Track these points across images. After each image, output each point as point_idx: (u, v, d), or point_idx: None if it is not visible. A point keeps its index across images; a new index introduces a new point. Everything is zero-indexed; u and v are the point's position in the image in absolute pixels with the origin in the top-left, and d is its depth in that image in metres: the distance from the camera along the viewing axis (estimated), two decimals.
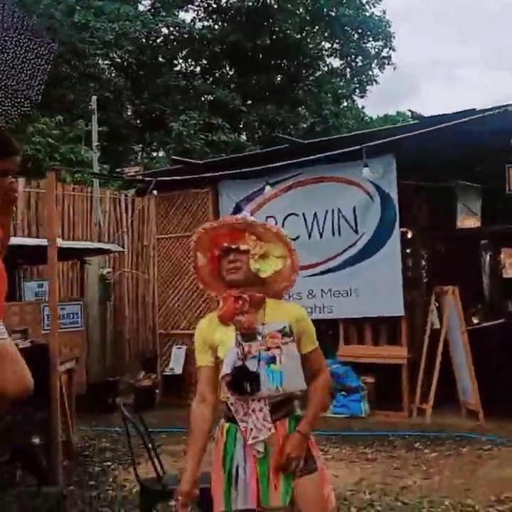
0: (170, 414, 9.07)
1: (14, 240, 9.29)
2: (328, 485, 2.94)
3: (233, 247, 2.88)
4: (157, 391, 9.96)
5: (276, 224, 9.07)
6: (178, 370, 9.78)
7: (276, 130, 17.99)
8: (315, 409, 2.91)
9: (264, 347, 2.78)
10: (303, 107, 24.02)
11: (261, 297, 2.88)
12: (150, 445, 4.01)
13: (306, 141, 8.73)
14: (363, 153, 7.59)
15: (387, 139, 7.55)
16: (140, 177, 9.42)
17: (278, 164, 8.25)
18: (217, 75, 24.50)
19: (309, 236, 8.89)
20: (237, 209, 9.44)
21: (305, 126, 23.29)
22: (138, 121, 21.75)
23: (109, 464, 6.96)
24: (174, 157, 9.47)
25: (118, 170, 11.62)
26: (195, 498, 2.83)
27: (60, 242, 9.35)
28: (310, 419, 2.88)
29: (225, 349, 2.83)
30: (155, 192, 9.13)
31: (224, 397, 2.84)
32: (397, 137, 7.50)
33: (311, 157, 8.18)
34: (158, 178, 9.00)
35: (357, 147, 7.67)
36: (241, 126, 22.17)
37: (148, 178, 9.30)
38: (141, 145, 19.37)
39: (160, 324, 10.17)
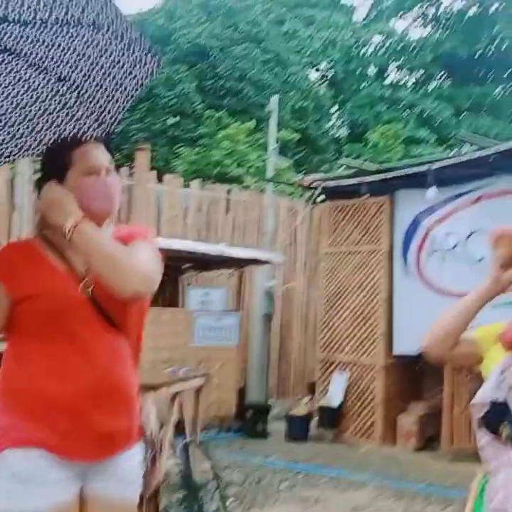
0: (321, 451, 8.07)
1: (182, 245, 8.92)
2: None
3: None
4: (313, 421, 8.98)
5: (458, 242, 7.77)
6: (337, 401, 8.73)
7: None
8: None
9: None
10: None
11: None
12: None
13: (501, 145, 7.29)
14: None
15: None
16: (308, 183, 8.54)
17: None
18: (427, 85, 23.11)
19: None
20: (416, 223, 8.26)
21: None
22: (337, 132, 20.98)
23: (229, 502, 6.09)
24: (343, 160, 8.46)
25: (299, 177, 10.88)
26: None
27: (210, 247, 8.77)
28: None
29: (489, 368, 2.23)
30: (319, 199, 8.22)
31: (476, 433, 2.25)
32: None
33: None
34: (324, 185, 8.06)
35: None
36: (450, 140, 20.54)
37: (316, 184, 8.40)
38: (338, 156, 18.56)
39: (321, 347, 9.19)
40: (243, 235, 10.84)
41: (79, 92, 2.41)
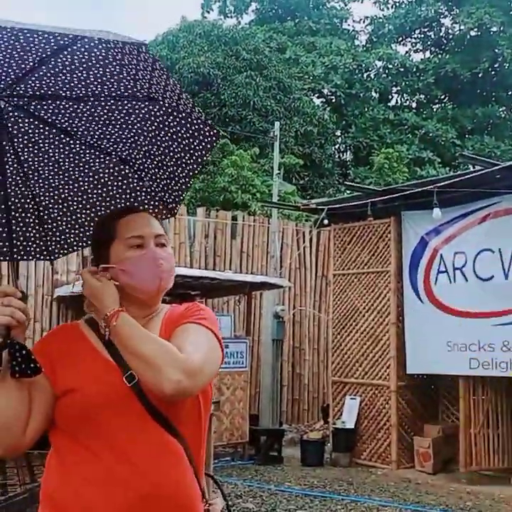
0: (337, 476, 7.97)
1: (189, 272, 8.92)
2: None
3: None
4: (328, 445, 8.89)
5: (466, 261, 7.74)
6: (351, 424, 8.66)
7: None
8: None
9: None
10: None
11: None
12: None
13: (503, 164, 7.29)
14: None
15: None
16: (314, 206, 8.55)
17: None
18: (430, 107, 23.22)
19: (506, 276, 7.40)
20: (423, 243, 8.25)
21: None
22: (342, 156, 21.06)
23: None
24: (347, 182, 8.47)
25: (304, 201, 10.89)
26: None
27: (217, 273, 8.77)
28: None
29: None
30: (325, 222, 8.22)
31: None
32: None
33: None
34: (329, 207, 8.07)
35: None
36: (454, 161, 20.59)
37: (321, 207, 8.42)
38: (343, 180, 18.63)
39: (333, 370, 9.14)
40: (250, 260, 10.84)
41: (140, 174, 2.24)
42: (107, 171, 2.25)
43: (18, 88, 1.92)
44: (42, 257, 2.39)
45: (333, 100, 21.97)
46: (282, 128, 16.06)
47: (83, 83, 1.93)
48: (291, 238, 11.24)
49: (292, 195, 14.44)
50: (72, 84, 1.94)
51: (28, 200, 2.26)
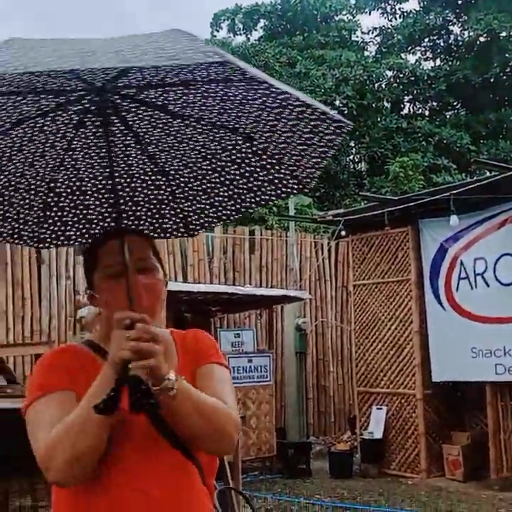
0: (367, 487, 7.94)
1: (209, 288, 8.98)
2: None
3: None
4: (356, 456, 8.86)
5: (486, 267, 7.72)
6: (378, 434, 8.63)
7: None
8: None
9: None
10: None
11: None
12: None
13: None
14: None
15: None
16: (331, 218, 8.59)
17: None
18: (443, 114, 23.20)
19: None
20: (443, 250, 8.24)
21: None
22: (356, 166, 21.08)
23: None
24: (362, 193, 8.52)
25: (321, 213, 10.94)
26: None
27: (237, 289, 8.81)
28: None
29: None
30: (343, 233, 8.25)
31: None
32: None
33: None
34: (346, 218, 8.10)
35: None
36: (470, 167, 20.54)
37: (338, 218, 8.45)
38: (359, 190, 18.63)
39: (358, 381, 9.13)
40: (269, 274, 10.87)
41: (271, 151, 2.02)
42: (236, 147, 2.04)
43: (120, 81, 1.78)
44: (180, 234, 2.25)
45: (346, 111, 21.97)
46: None
47: (187, 70, 1.81)
48: (309, 250, 11.27)
49: (309, 208, 14.46)
50: (174, 72, 1.80)
51: (159, 177, 2.12)
